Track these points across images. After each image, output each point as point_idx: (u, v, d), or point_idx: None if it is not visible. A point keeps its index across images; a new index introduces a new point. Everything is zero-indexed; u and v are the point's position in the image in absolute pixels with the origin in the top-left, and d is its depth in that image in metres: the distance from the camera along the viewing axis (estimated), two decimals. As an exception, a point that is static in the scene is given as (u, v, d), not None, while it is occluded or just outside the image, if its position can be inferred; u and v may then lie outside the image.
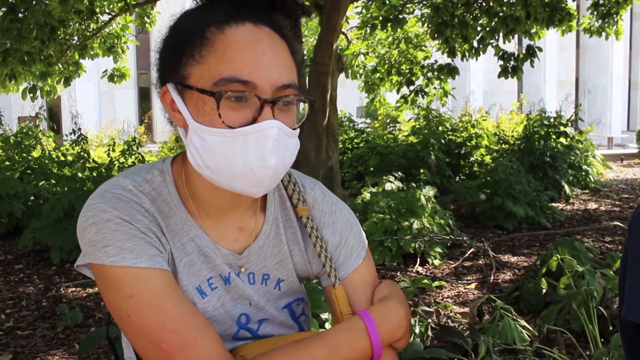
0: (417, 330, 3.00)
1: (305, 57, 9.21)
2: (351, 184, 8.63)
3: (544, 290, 3.94)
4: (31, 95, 8.78)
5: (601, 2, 8.14)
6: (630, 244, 1.39)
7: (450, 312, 3.86)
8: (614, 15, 8.24)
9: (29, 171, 7.40)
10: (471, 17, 7.92)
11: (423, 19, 8.92)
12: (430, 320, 3.29)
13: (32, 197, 6.80)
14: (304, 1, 6.89)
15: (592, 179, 10.24)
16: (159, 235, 1.03)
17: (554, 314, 3.35)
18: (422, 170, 9.14)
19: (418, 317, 3.19)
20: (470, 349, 2.63)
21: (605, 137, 20.81)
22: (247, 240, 1.13)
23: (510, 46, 8.30)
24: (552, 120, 9.70)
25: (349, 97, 17.15)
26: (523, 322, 3.16)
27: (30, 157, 7.84)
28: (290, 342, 1.03)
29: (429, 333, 3.09)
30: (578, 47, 27.27)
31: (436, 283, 4.33)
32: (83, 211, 1.01)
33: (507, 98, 22.56)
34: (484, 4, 7.74)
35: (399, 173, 7.48)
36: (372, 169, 9.60)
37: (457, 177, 10.03)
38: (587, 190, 10.10)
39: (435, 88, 10.15)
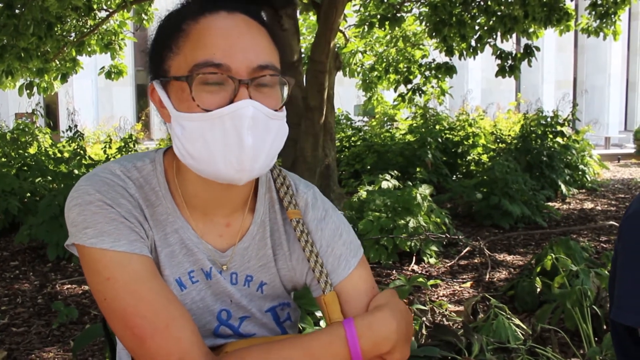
0: (411, 329, 3.00)
1: (303, 55, 9.20)
2: (348, 182, 8.64)
3: (539, 289, 3.96)
4: (28, 91, 8.74)
5: (599, 2, 8.13)
6: (620, 245, 1.39)
7: (445, 310, 3.87)
8: (612, 16, 8.22)
9: (25, 168, 7.39)
10: (469, 16, 7.92)
11: (421, 18, 8.89)
12: (424, 318, 3.29)
13: (29, 194, 6.80)
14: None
15: (589, 179, 10.27)
16: (141, 221, 1.03)
17: (548, 312, 3.36)
18: (418, 169, 9.14)
19: (412, 315, 3.20)
20: (463, 347, 2.63)
21: (602, 136, 20.83)
22: (232, 239, 1.11)
23: (508, 45, 8.30)
24: (549, 119, 9.72)
25: (346, 95, 17.17)
26: (517, 321, 3.17)
27: (26, 154, 7.84)
28: (266, 342, 1.02)
29: (424, 331, 3.10)
30: (576, 46, 27.30)
31: (431, 282, 4.35)
32: (71, 192, 1.02)
33: (505, 97, 22.62)
34: (482, 3, 7.73)
35: (396, 172, 7.49)
36: (369, 167, 9.60)
37: (454, 176, 10.04)
38: (583, 190, 10.12)
39: (432, 87, 10.16)
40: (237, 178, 0.98)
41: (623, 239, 1.38)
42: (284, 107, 1.03)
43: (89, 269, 0.99)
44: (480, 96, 23.22)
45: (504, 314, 3.09)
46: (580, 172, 10.04)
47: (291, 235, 1.15)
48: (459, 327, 3.47)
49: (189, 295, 1.09)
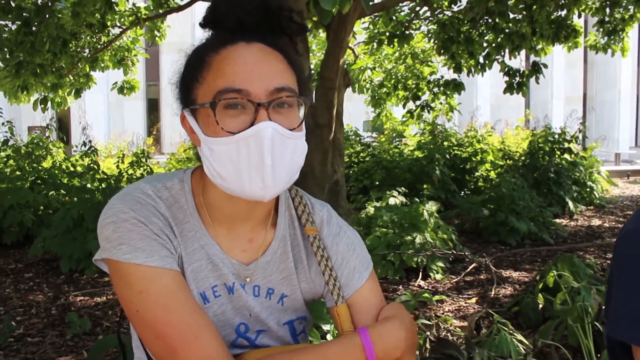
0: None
1: (313, 72, 9.30)
2: (357, 197, 8.70)
3: (542, 306, 4.00)
4: (42, 106, 8.86)
5: (607, 19, 8.20)
6: (614, 263, 1.46)
7: (450, 325, 3.93)
8: (620, 32, 8.30)
9: (39, 181, 7.51)
10: (477, 33, 8.00)
11: (429, 35, 8.99)
12: (429, 333, 3.35)
13: (42, 207, 6.92)
14: (310, 18, 7.00)
15: (597, 195, 10.28)
16: (171, 238, 1.11)
17: (552, 329, 3.41)
18: (425, 185, 9.19)
19: (417, 330, 3.26)
20: (466, 361, 2.70)
21: (612, 153, 20.79)
22: (255, 254, 1.19)
23: (516, 62, 8.36)
24: (556, 136, 9.76)
25: (355, 111, 17.25)
26: (520, 337, 3.22)
27: (40, 168, 7.95)
28: (285, 351, 1.10)
29: (427, 346, 3.16)
30: (586, 62, 27.31)
31: (437, 297, 4.40)
32: (104, 210, 1.10)
33: (514, 113, 22.63)
34: (489, 21, 7.81)
35: (403, 188, 7.55)
36: (377, 182, 9.67)
37: (462, 192, 10.08)
38: (591, 207, 10.14)
39: (441, 103, 10.23)
40: (262, 195, 1.05)
41: (616, 257, 1.45)
42: (302, 125, 1.11)
43: (122, 283, 1.06)
44: (490, 112, 23.24)
45: (506, 329, 3.15)
46: (588, 189, 10.06)
47: (309, 250, 1.24)
48: (462, 341, 3.53)
49: (211, 309, 1.16)
